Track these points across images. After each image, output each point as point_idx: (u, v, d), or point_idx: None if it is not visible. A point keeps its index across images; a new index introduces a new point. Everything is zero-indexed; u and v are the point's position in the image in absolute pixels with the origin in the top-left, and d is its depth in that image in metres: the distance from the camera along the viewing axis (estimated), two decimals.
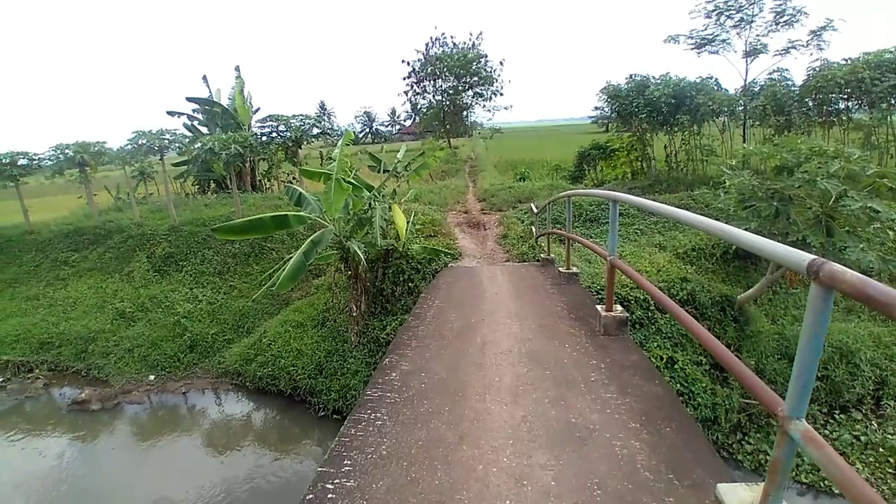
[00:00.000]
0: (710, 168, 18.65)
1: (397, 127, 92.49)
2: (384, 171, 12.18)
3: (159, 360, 13.39)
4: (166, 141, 17.09)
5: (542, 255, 9.62)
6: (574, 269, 8.13)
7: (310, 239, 8.55)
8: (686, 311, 9.55)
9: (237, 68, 23.30)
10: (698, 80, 17.06)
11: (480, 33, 39.50)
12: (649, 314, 9.24)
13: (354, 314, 10.01)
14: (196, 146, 16.49)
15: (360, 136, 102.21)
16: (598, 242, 12.74)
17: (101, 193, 24.67)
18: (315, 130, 17.24)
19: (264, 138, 16.84)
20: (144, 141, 16.85)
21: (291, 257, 8.30)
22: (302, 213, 8.90)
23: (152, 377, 13.00)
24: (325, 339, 11.40)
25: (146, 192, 24.70)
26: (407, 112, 46.27)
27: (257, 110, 23.92)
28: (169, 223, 18.24)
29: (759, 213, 9.12)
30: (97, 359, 13.74)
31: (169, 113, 24.02)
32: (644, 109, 15.97)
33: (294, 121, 16.22)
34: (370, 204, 9.38)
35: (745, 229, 2.83)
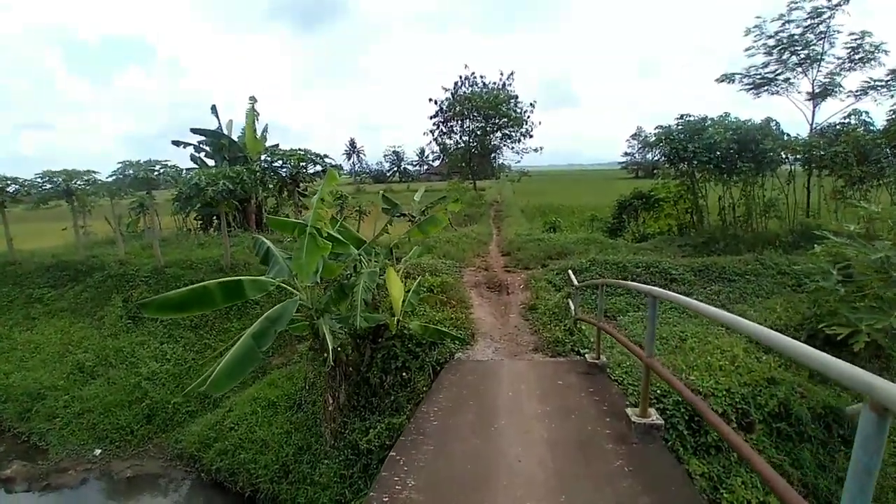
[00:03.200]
0: (772, 224, 16.02)
1: (425, 167, 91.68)
2: (399, 216, 9.94)
3: (109, 432, 11.18)
4: (155, 173, 15.23)
5: (583, 349, 7.13)
6: (604, 359, 5.90)
7: (265, 315, 6.27)
8: (779, 428, 6.90)
9: (251, 98, 21.72)
10: (762, 123, 14.60)
11: (511, 73, 38.04)
12: None
13: (330, 408, 7.61)
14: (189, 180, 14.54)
15: (389, 175, 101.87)
16: (643, 315, 10.22)
17: (98, 223, 23.22)
18: (313, 168, 15.20)
19: (261, 174, 14.90)
20: (131, 172, 15.05)
21: (237, 339, 6.00)
22: (263, 279, 6.67)
23: (97, 452, 10.79)
24: (298, 429, 9.03)
25: (144, 224, 23.06)
26: (435, 153, 44.81)
27: (275, 145, 22.21)
28: (153, 264, 16.30)
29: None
30: (41, 422, 11.61)
31: (174, 143, 22.59)
32: (701, 154, 13.53)
33: (291, 155, 14.22)
34: (355, 267, 7.10)
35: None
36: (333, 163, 15.23)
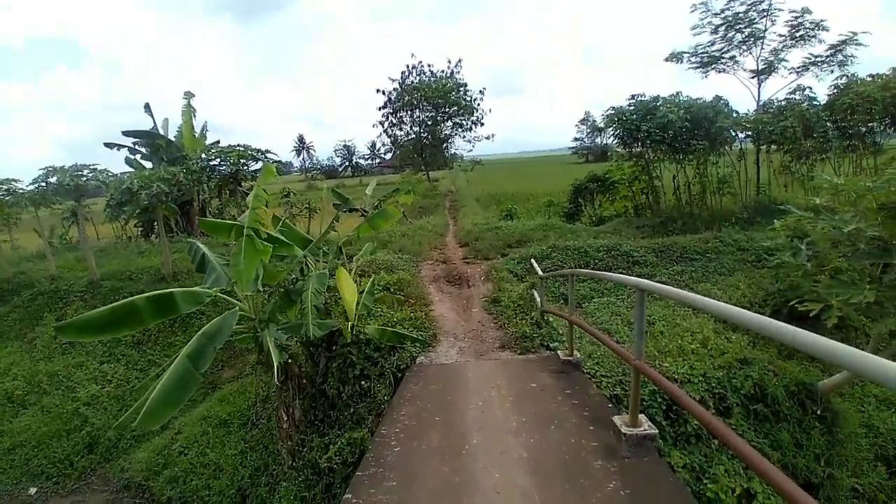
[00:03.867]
0: (726, 201, 16.13)
1: (378, 160, 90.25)
2: (350, 211, 9.31)
3: (45, 466, 10.19)
4: (83, 179, 14.05)
5: (552, 342, 6.69)
6: (578, 355, 5.45)
7: (201, 331, 5.60)
8: (756, 410, 6.78)
9: (187, 94, 20.40)
10: (712, 101, 14.60)
11: (459, 61, 37.43)
12: None
13: (285, 425, 6.98)
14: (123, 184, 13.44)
15: (341, 170, 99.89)
16: (608, 301, 9.95)
17: (26, 235, 21.64)
18: (255, 165, 14.28)
19: (198, 174, 13.88)
20: (54, 179, 13.82)
21: (170, 365, 5.33)
22: (198, 290, 5.98)
23: (32, 491, 9.82)
24: (254, 448, 8.38)
25: (79, 235, 21.54)
26: (387, 145, 43.91)
27: (216, 142, 20.95)
28: (88, 277, 15.12)
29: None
30: None
31: (107, 145, 20.98)
32: (655, 134, 13.38)
33: (230, 153, 13.29)
34: (302, 270, 6.48)
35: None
36: (277, 158, 14.39)
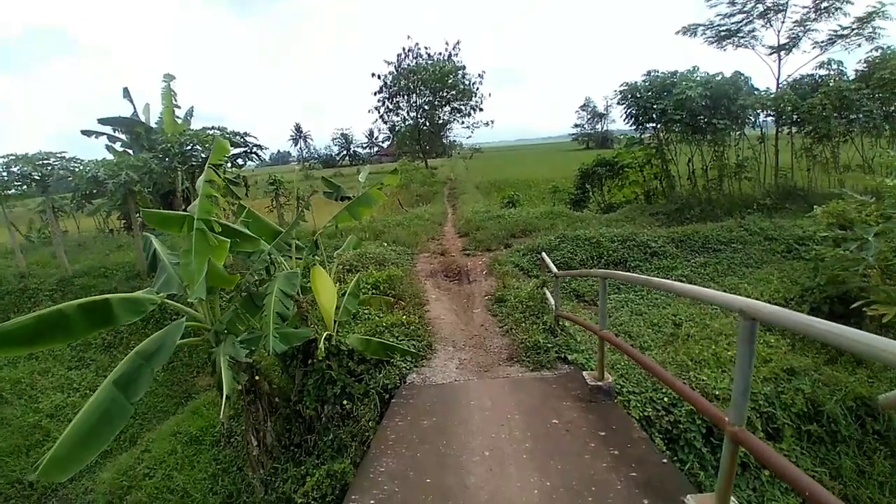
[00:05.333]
0: (745, 186, 14.98)
1: (376, 149, 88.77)
2: (341, 199, 8.20)
3: (3, 486, 9.18)
4: (49, 167, 12.91)
5: (570, 353, 5.55)
6: (609, 379, 4.32)
7: (135, 350, 4.54)
8: (809, 431, 5.74)
9: (167, 76, 19.12)
10: (732, 77, 13.40)
11: (458, 42, 36.03)
12: None
13: (255, 452, 5.92)
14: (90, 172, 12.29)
15: (338, 159, 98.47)
16: (626, 298, 8.86)
17: (2, 230, 20.56)
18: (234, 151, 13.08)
19: (169, 161, 12.68)
20: (16, 168, 12.68)
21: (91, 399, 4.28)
22: (140, 296, 4.88)
23: None
24: (227, 471, 7.34)
25: (57, 229, 20.40)
26: (384, 133, 42.63)
27: (203, 129, 19.71)
28: (59, 274, 14.05)
29: None
30: None
31: (84, 133, 19.79)
32: (672, 112, 12.19)
33: (204, 138, 12.08)
34: (268, 269, 5.37)
35: None
36: (256, 142, 13.25)
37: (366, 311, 7.04)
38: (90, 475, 9.13)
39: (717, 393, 5.67)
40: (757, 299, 8.25)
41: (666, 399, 5.36)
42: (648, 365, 3.26)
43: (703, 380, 5.86)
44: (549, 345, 5.63)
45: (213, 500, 7.02)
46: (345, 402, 5.53)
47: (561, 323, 6.11)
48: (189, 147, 12.58)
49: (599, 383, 4.17)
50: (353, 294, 6.15)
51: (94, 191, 11.85)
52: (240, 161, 13.48)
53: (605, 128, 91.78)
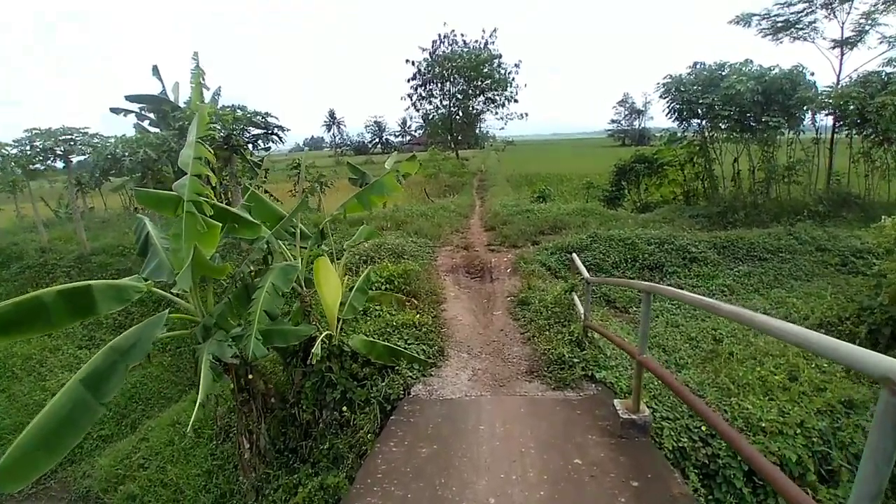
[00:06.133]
0: (794, 190, 13.93)
1: (408, 138, 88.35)
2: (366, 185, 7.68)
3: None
4: (71, 142, 12.73)
5: (598, 370, 4.86)
6: (646, 412, 3.61)
7: (110, 344, 4.08)
8: None
9: (195, 55, 18.88)
10: (790, 71, 12.36)
11: (494, 30, 35.13)
12: None
13: (246, 455, 5.44)
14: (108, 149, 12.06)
15: (371, 146, 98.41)
16: (661, 307, 8.11)
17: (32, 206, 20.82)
18: (254, 130, 12.64)
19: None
20: (39, 143, 12.53)
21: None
22: (126, 283, 4.43)
23: None
24: (222, 468, 6.90)
25: (84, 205, 20.47)
26: (418, 122, 42.09)
27: (230, 107, 19.43)
28: (78, 251, 13.94)
29: None
30: None
31: (113, 110, 19.68)
32: (721, 108, 11.29)
33: (224, 116, 11.67)
34: (265, 258, 4.85)
35: None
36: (277, 122, 12.79)
37: (376, 308, 6.50)
38: (90, 459, 8.90)
39: (762, 425, 4.96)
40: (807, 316, 7.41)
41: (704, 428, 4.69)
42: (700, 410, 2.59)
43: (747, 408, 5.14)
44: (575, 359, 4.97)
45: (204, 499, 6.60)
46: (344, 408, 5.01)
47: (590, 334, 5.44)
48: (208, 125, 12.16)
49: (633, 417, 3.49)
50: (362, 289, 5.60)
51: (112, 168, 11.55)
52: (260, 143, 13.07)
53: (642, 125, 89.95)
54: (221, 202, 12.30)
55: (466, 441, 3.63)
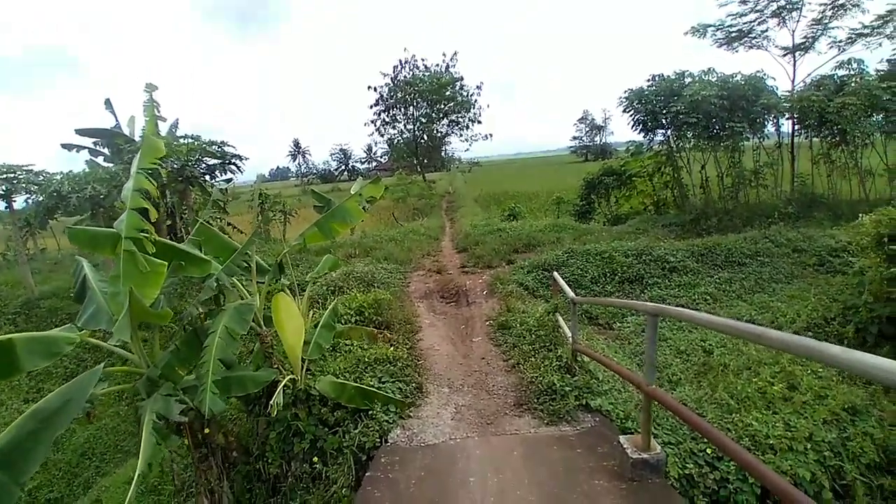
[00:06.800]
0: (763, 194, 14.01)
1: (374, 164, 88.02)
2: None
3: None
4: (13, 180, 11.95)
5: (592, 397, 4.42)
6: (658, 450, 3.20)
7: (31, 410, 3.50)
8: (882, 486, 4.73)
9: (149, 86, 18.16)
10: (751, 77, 12.47)
11: (455, 53, 35.34)
12: None
13: None
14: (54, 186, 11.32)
15: (337, 174, 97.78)
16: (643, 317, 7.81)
17: None
18: (210, 161, 12.05)
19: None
20: None
21: None
22: (54, 334, 3.87)
23: None
24: None
25: (35, 246, 19.39)
26: (384, 148, 41.82)
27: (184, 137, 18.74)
28: (25, 296, 13.03)
29: None
30: None
31: (64, 146, 18.82)
32: (686, 115, 11.24)
33: (176, 148, 11.07)
34: (216, 298, 4.33)
35: None
36: (235, 152, 12.21)
37: (346, 343, 5.99)
38: None
39: (770, 442, 4.62)
40: (794, 319, 7.16)
41: (710, 451, 4.34)
42: (731, 450, 2.19)
43: (751, 425, 4.80)
44: (567, 387, 4.54)
45: None
46: (315, 459, 4.47)
47: (579, 358, 5.04)
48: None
49: (645, 456, 3.05)
50: (328, 325, 5.09)
51: (58, 206, 10.82)
52: (218, 174, 12.47)
53: (603, 140, 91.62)
54: (177, 237, 11.67)
55: (455, 501, 3.13)
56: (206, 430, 4.57)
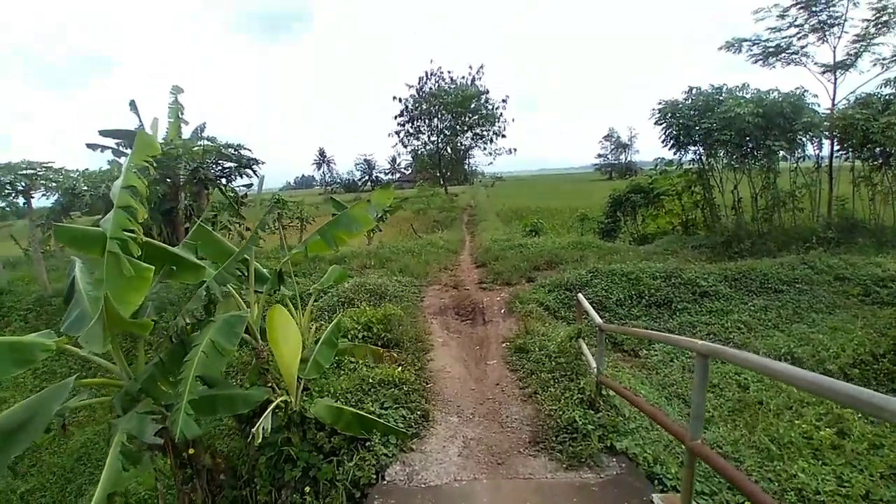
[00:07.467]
0: (799, 217, 13.31)
1: (398, 175, 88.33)
2: None
3: None
4: (33, 177, 11.90)
5: (618, 438, 3.92)
6: None
7: None
8: None
9: (175, 89, 18.23)
10: (790, 94, 11.87)
11: (481, 66, 35.11)
12: None
13: None
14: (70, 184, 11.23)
15: (360, 184, 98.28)
16: (673, 350, 7.25)
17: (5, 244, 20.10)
18: (226, 164, 11.85)
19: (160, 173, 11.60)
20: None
21: None
22: (31, 340, 3.57)
23: None
24: None
25: (55, 244, 19.50)
26: (405, 157, 41.79)
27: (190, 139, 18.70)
28: (38, 293, 12.95)
29: None
30: None
31: (89, 146, 18.95)
32: (720, 132, 10.70)
33: (192, 148, 10.89)
34: (207, 307, 3.96)
35: None
36: (251, 155, 12.02)
37: (351, 360, 5.58)
38: None
39: (822, 500, 4.06)
40: (838, 354, 6.53)
41: None
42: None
43: (797, 476, 4.26)
44: (590, 425, 4.04)
45: None
46: (307, 489, 4.05)
47: (604, 392, 4.55)
48: (175, 159, 11.41)
49: None
50: (329, 342, 4.69)
51: (73, 204, 10.71)
52: (234, 177, 12.28)
53: (628, 158, 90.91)
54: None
55: None
56: (191, 451, 4.19)
